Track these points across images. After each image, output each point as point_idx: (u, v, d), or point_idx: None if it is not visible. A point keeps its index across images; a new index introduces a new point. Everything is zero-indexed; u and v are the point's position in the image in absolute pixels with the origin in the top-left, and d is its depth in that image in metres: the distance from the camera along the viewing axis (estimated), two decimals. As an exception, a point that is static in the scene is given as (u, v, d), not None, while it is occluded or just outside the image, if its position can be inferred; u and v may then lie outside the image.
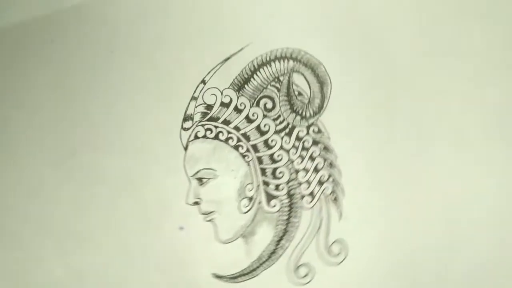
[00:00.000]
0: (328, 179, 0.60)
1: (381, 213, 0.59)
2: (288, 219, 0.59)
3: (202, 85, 0.60)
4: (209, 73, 0.60)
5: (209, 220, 0.59)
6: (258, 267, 0.59)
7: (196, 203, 0.59)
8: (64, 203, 0.61)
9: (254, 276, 0.59)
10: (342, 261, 0.59)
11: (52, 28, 0.62)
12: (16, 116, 0.62)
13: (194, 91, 0.60)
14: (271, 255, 0.59)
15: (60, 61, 0.62)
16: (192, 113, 0.60)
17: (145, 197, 0.60)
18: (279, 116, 0.60)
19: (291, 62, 0.60)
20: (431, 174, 0.59)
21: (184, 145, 0.60)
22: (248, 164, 0.59)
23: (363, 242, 0.59)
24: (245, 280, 0.59)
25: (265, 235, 0.59)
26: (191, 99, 0.60)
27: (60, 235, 0.61)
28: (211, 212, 0.59)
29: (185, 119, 0.60)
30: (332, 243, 0.59)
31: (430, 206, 0.59)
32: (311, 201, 0.59)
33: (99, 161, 0.61)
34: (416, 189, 0.59)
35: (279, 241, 0.59)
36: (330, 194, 0.60)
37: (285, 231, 0.59)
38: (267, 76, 0.60)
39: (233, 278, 0.60)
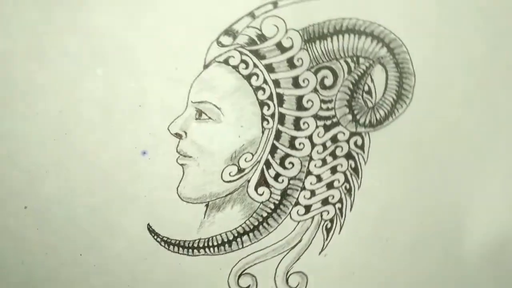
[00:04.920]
0: (336, 204, 0.47)
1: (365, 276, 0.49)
2: (266, 218, 0.47)
3: (271, 6, 0.44)
4: (286, -3, 0.44)
5: (181, 164, 0.46)
6: (201, 247, 0.47)
7: (178, 135, 0.45)
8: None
9: (191, 255, 0.47)
10: (292, 297, 0.48)
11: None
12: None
13: (257, 8, 0.44)
14: (224, 244, 0.47)
15: None
16: (239, 31, 0.44)
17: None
18: (331, 101, 0.46)
19: (384, 50, 0.45)
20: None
21: (206, 61, 0.45)
22: (263, 132, 0.46)
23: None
24: (179, 253, 0.47)
25: (230, 219, 0.47)
26: (247, 14, 0.44)
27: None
28: (187, 156, 0.45)
29: (227, 32, 0.44)
30: (293, 273, 0.48)
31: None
32: (303, 215, 0.47)
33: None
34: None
35: (241, 235, 0.47)
36: (327, 221, 0.48)
37: (254, 229, 0.47)
38: (347, 48, 0.45)
39: (167, 242, 0.47)
